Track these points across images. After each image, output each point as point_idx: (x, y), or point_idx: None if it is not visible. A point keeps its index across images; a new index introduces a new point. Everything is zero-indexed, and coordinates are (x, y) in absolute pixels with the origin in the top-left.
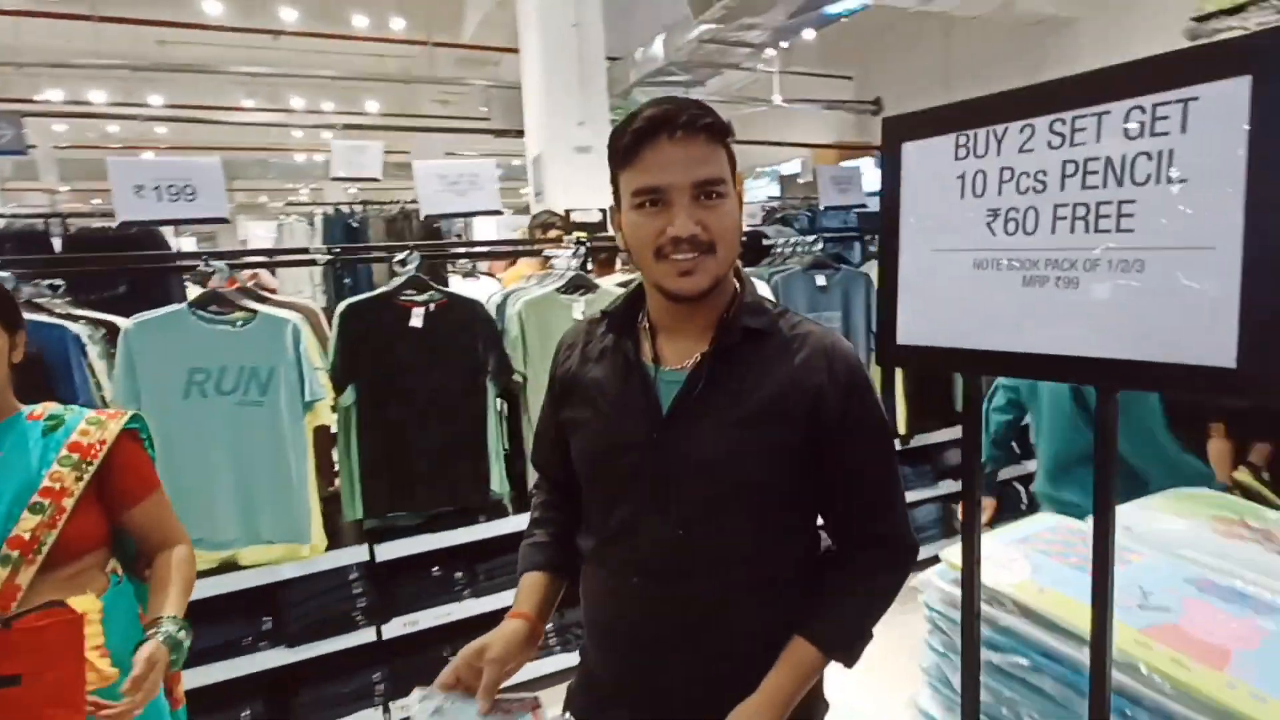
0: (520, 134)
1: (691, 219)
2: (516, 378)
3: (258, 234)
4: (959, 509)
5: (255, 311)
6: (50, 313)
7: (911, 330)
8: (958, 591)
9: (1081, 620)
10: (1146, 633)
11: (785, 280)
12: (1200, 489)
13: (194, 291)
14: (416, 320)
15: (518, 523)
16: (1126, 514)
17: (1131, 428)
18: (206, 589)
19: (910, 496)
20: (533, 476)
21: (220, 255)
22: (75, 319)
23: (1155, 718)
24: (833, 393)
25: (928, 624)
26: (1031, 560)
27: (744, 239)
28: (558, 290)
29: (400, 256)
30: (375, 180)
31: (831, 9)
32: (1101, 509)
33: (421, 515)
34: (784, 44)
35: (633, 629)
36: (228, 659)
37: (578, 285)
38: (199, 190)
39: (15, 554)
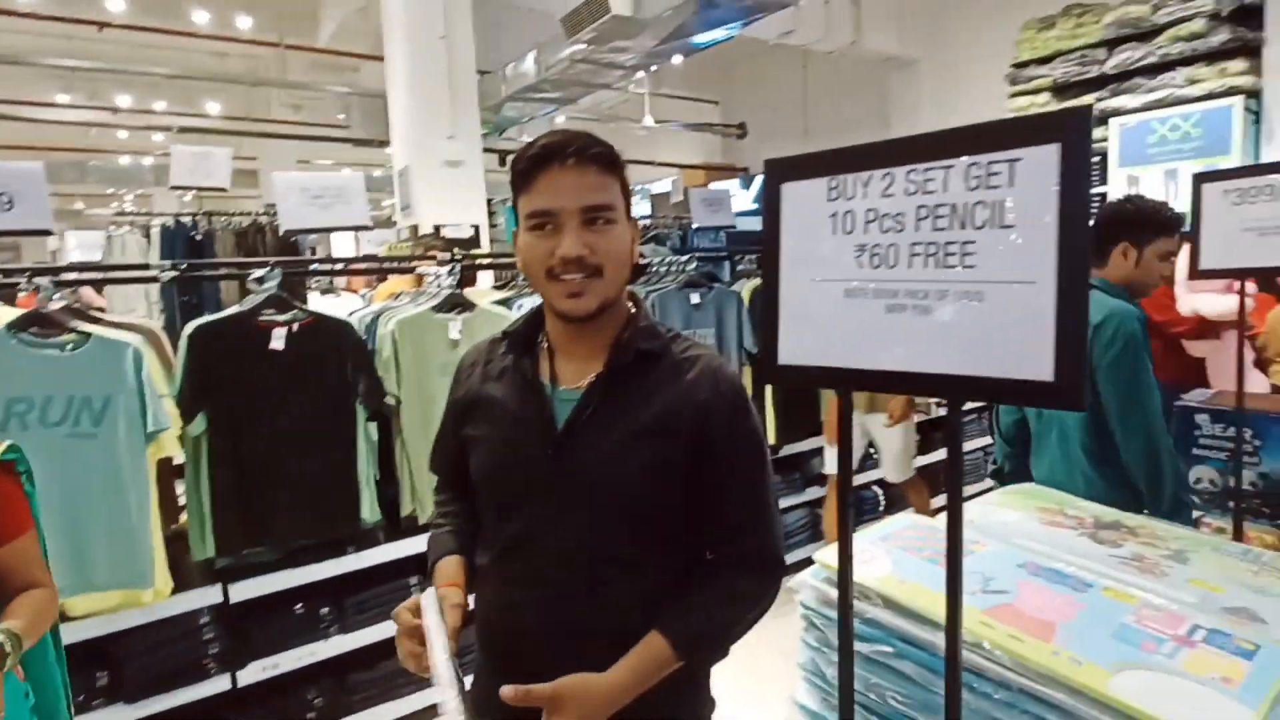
0: (383, 144)
1: (579, 241)
2: (389, 400)
3: (77, 245)
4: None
5: (88, 334)
6: None
7: (791, 352)
8: (831, 589)
9: (937, 608)
10: (989, 613)
11: (661, 298)
12: (1028, 485)
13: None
14: (277, 342)
15: (391, 552)
16: (970, 510)
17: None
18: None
19: (780, 504)
20: (407, 504)
21: (45, 271)
22: None
23: (998, 687)
24: (718, 410)
25: (803, 621)
26: (893, 556)
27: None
28: (432, 309)
29: (258, 273)
30: (222, 190)
31: (698, 39)
32: (952, 504)
33: (282, 550)
34: (654, 68)
35: (530, 641)
36: None
37: (454, 304)
38: (17, 198)
39: None
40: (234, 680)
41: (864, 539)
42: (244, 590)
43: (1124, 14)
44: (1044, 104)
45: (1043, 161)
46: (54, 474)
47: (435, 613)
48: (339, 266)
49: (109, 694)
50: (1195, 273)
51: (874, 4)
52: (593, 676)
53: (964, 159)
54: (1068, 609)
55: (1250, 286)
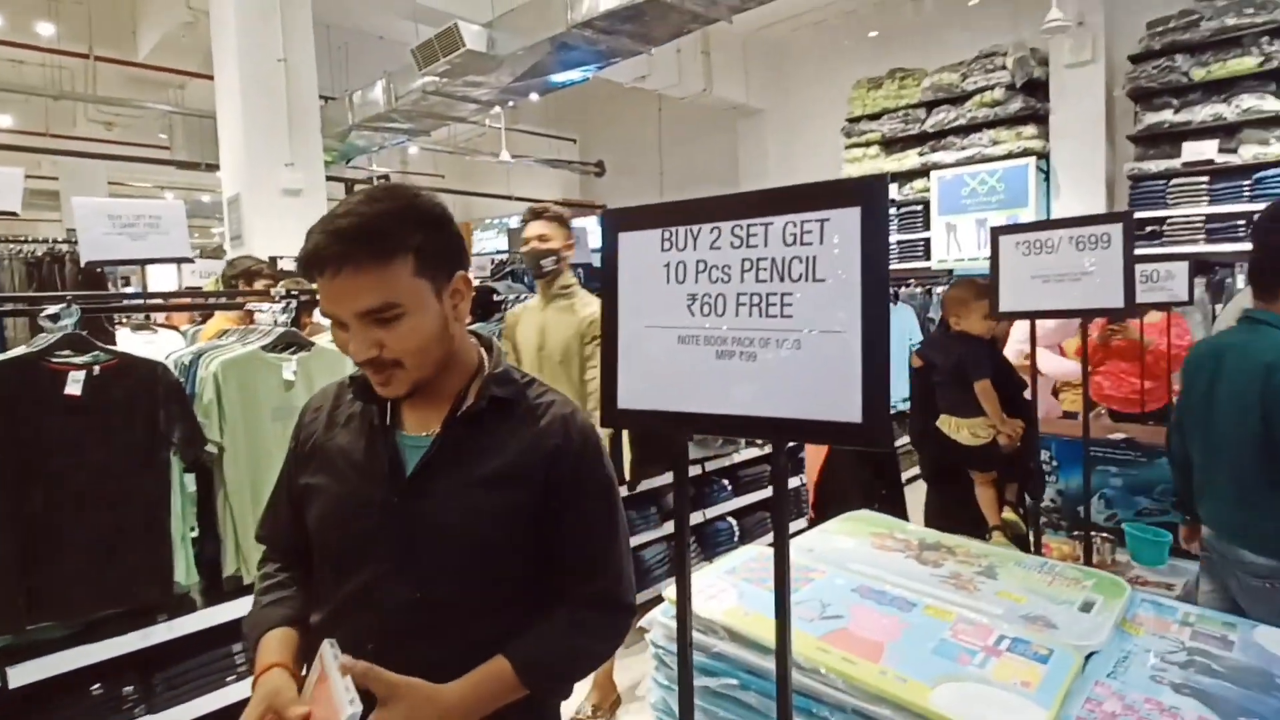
0: (211, 168)
1: (366, 342)
2: (210, 449)
3: None
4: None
5: None
6: None
7: (629, 396)
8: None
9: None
10: (825, 639)
11: None
12: (863, 512)
13: None
14: (74, 387)
15: (209, 618)
16: (809, 539)
17: None
18: None
19: (638, 539)
20: (230, 563)
21: None
22: None
23: (834, 710)
24: (567, 457)
25: (654, 660)
26: (739, 588)
27: (476, 308)
28: (263, 348)
29: (51, 310)
30: (12, 215)
31: (555, 78)
32: (779, 540)
33: (77, 623)
34: (510, 103)
35: (373, 697)
36: None
37: (289, 343)
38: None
39: None
40: None
41: (712, 573)
42: (27, 672)
43: (938, 80)
44: (874, 155)
45: (847, 222)
46: None
47: (336, 671)
48: (154, 302)
49: None
50: (994, 314)
51: (722, 56)
52: (433, 686)
53: (781, 217)
54: (894, 629)
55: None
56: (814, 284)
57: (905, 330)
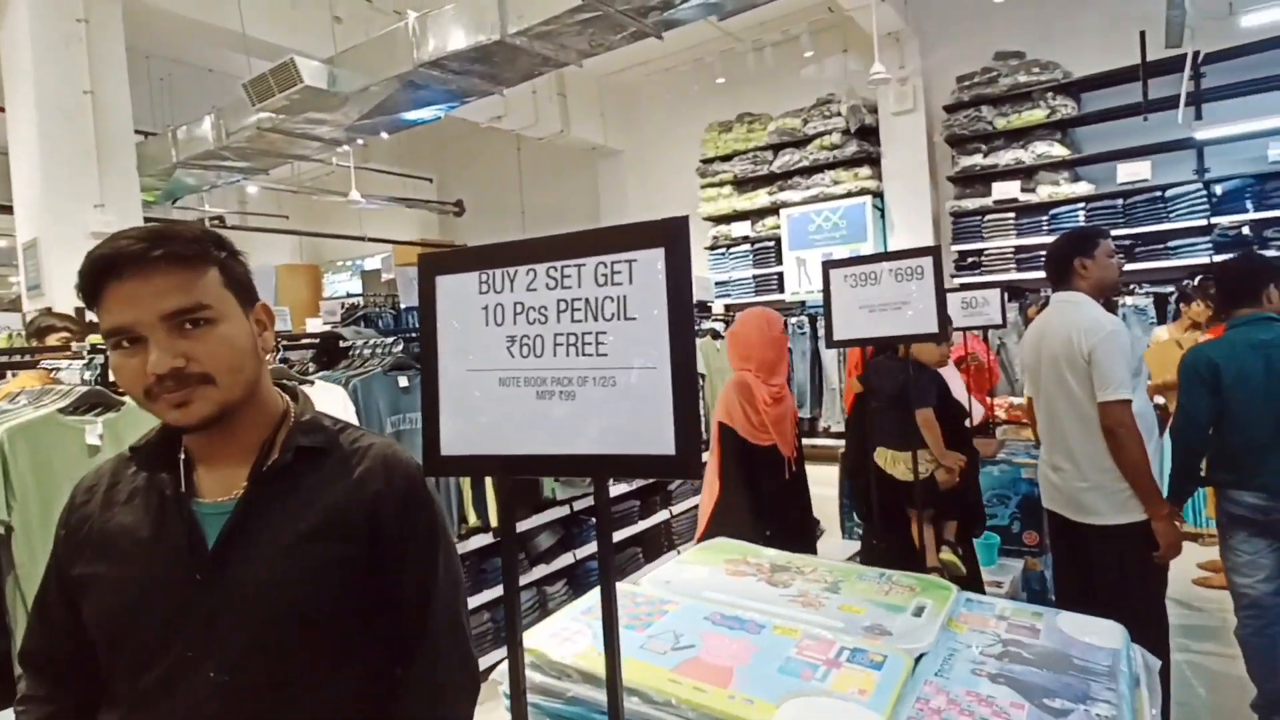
0: (4, 209)
1: (170, 353)
2: None
3: None
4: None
5: None
6: None
7: (452, 441)
8: (535, 675)
9: (634, 675)
10: (677, 670)
11: (365, 383)
12: (719, 540)
13: None
14: None
15: None
16: (666, 571)
17: None
18: None
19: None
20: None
21: None
22: None
23: None
24: (390, 502)
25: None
26: (593, 628)
27: (318, 340)
28: (61, 410)
29: None
30: None
31: (406, 115)
32: (606, 581)
33: None
34: (359, 141)
35: None
36: None
37: (93, 403)
38: None
39: None
40: None
41: (567, 615)
42: None
43: (783, 124)
44: (728, 194)
45: (653, 262)
46: None
47: None
48: None
49: None
50: (830, 343)
51: (579, 98)
52: None
53: (592, 259)
54: (744, 652)
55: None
56: (625, 322)
57: None
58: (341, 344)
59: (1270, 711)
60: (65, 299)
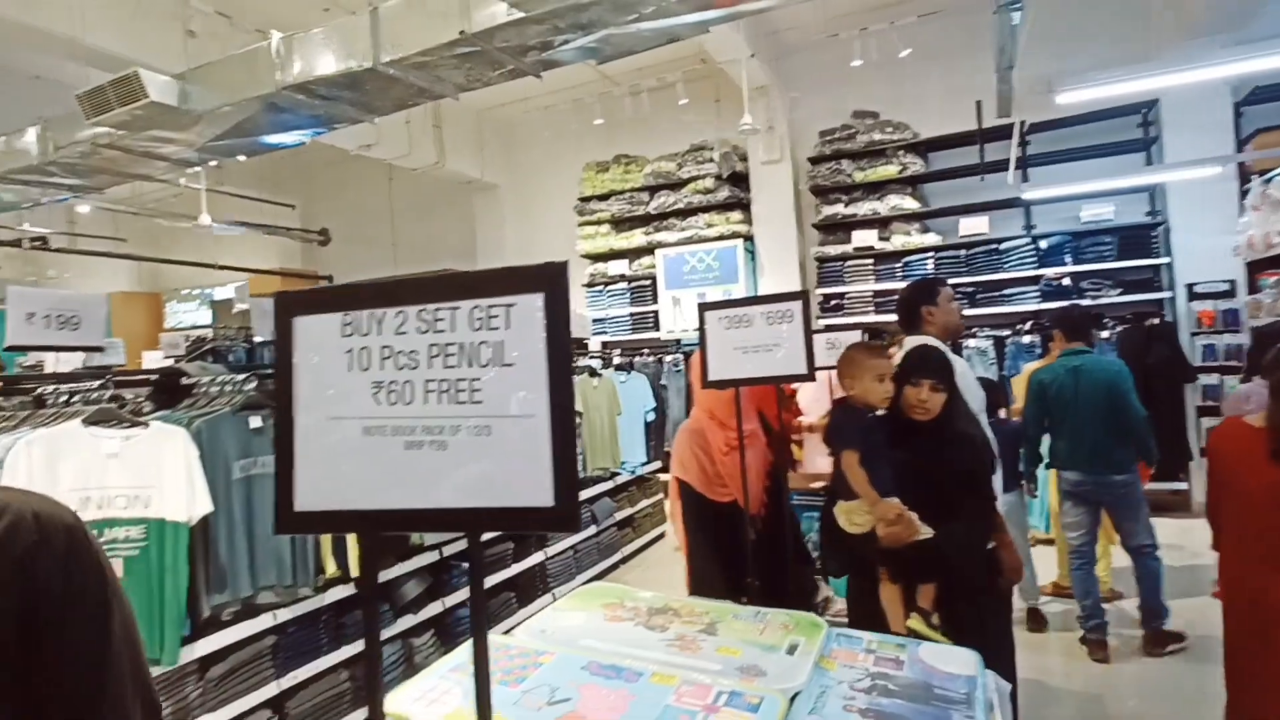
0: None
1: None
2: None
3: None
4: None
5: None
6: None
7: (310, 496)
8: None
9: None
10: None
11: (210, 424)
12: (596, 585)
13: None
14: None
15: None
16: (542, 619)
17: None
18: None
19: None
20: None
21: None
22: None
23: None
24: (48, 555)
25: None
26: (463, 686)
27: (154, 377)
28: None
29: None
30: None
31: (267, 138)
32: (478, 639)
33: None
34: (212, 163)
35: None
36: None
37: None
38: None
39: None
40: None
41: (435, 674)
42: None
43: (658, 167)
44: (605, 233)
45: (531, 307)
46: None
47: None
48: None
49: None
50: (705, 383)
51: (455, 130)
52: None
53: (468, 302)
54: (621, 703)
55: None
56: (502, 368)
57: (640, 398)
58: (184, 381)
59: (1089, 618)
60: None
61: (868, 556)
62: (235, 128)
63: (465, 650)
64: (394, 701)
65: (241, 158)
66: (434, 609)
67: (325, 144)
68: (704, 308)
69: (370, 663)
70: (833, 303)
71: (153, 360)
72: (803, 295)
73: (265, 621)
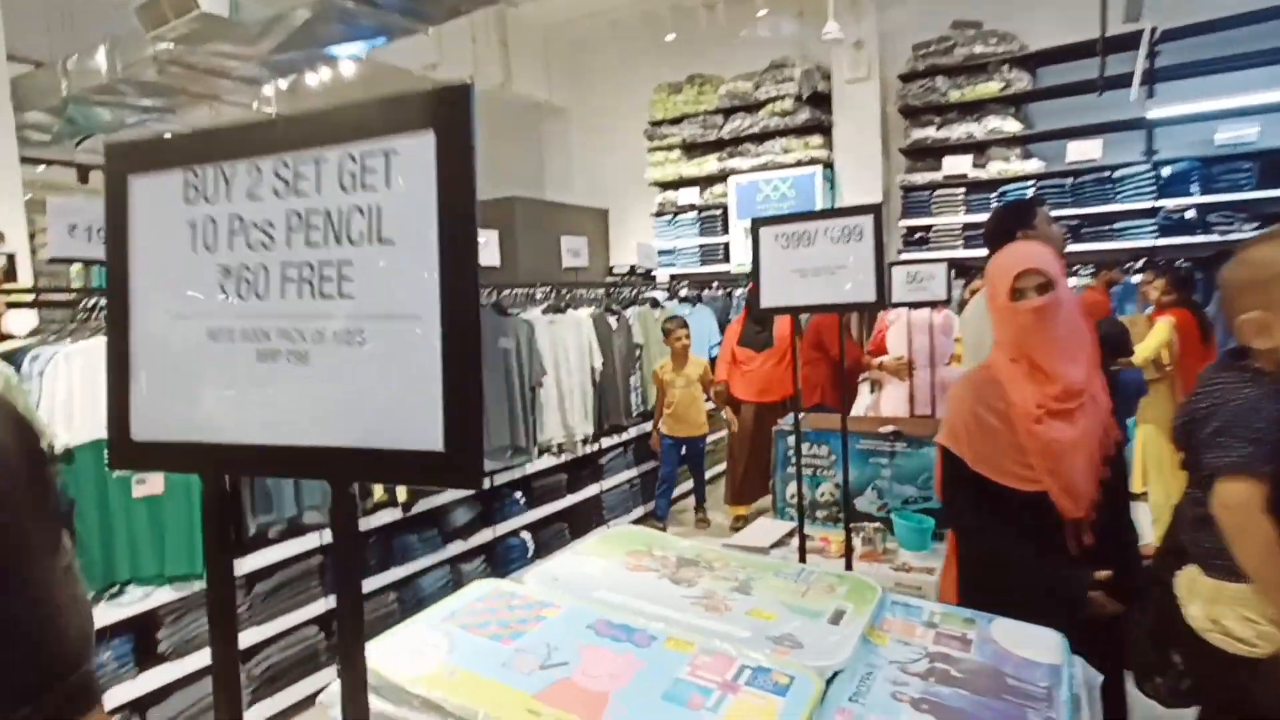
0: None
1: None
2: None
3: None
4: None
5: None
6: None
7: (148, 422)
8: (375, 701)
9: (484, 702)
10: (540, 696)
11: None
12: (627, 528)
13: None
14: None
15: None
16: (557, 564)
17: None
18: None
19: (418, 565)
20: None
21: None
22: None
23: None
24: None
25: None
26: (451, 639)
27: None
28: None
29: None
30: None
31: (327, 49)
32: (346, 648)
33: None
34: (281, 82)
35: None
36: None
37: None
38: None
39: None
40: None
41: (428, 620)
42: None
43: (733, 88)
44: (676, 159)
45: (418, 155)
46: None
47: None
48: None
49: None
50: (757, 311)
51: (522, 49)
52: None
53: (337, 149)
54: (626, 671)
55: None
56: (379, 247)
57: (705, 331)
58: None
59: None
60: None
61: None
62: (291, 40)
63: (468, 594)
64: (374, 651)
65: (312, 80)
66: (484, 535)
67: (392, 65)
68: (758, 223)
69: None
70: (916, 236)
71: None
72: (874, 209)
73: (312, 541)
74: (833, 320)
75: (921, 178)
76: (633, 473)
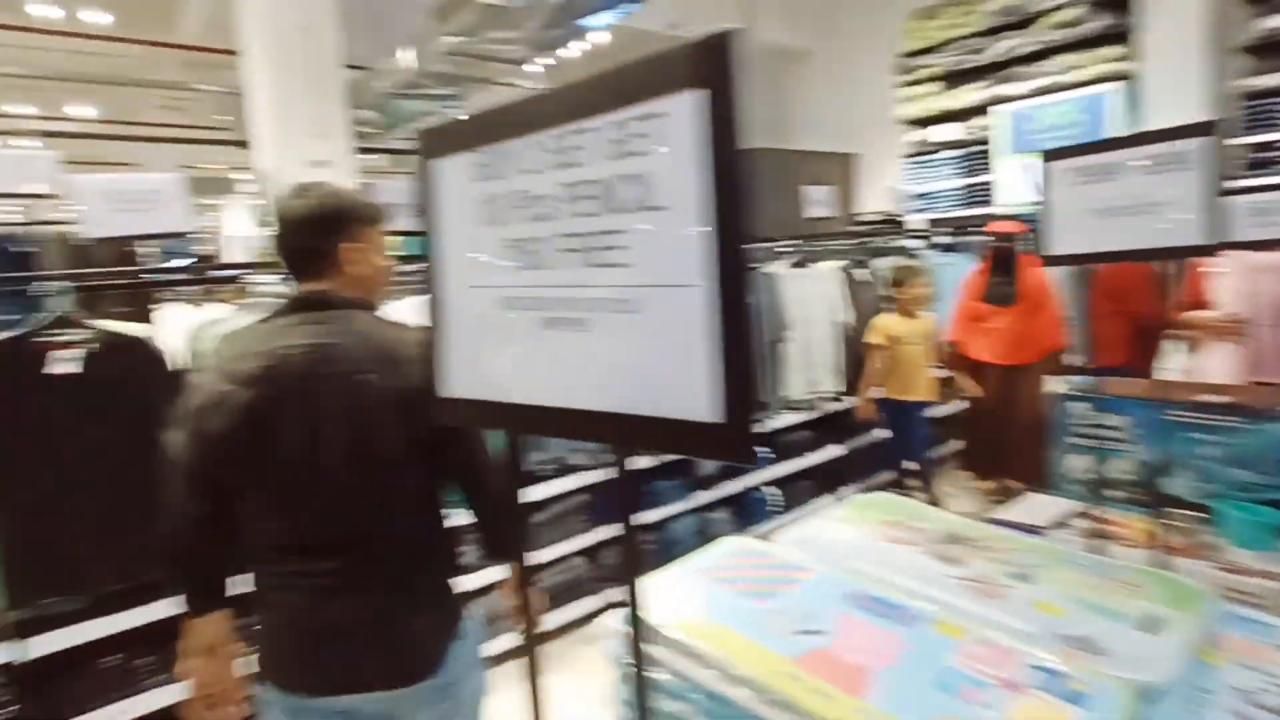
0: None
1: None
2: None
3: None
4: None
5: None
6: None
7: (457, 382)
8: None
9: (740, 656)
10: (800, 662)
11: None
12: (878, 495)
13: None
14: (65, 366)
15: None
16: (805, 528)
17: None
18: None
19: (669, 510)
20: None
21: None
22: None
23: None
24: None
25: (620, 674)
26: (707, 590)
27: None
28: (262, 320)
29: (53, 289)
30: (50, 196)
31: (587, 21)
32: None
33: (88, 597)
34: (548, 60)
35: None
36: None
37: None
38: None
39: None
40: None
41: (680, 570)
42: (47, 643)
43: (1004, 3)
44: (933, 92)
45: (683, 116)
46: None
47: None
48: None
49: None
50: (1049, 259)
51: None
52: None
53: (603, 118)
54: (889, 650)
55: None
56: (649, 213)
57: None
58: None
59: None
60: None
61: None
62: (553, 16)
63: (719, 549)
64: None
65: (572, 52)
66: (732, 487)
67: (639, 29)
68: (1051, 155)
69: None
70: (1263, 155)
71: None
72: (1207, 127)
73: (578, 481)
74: (1136, 266)
75: (1270, 80)
76: (884, 434)
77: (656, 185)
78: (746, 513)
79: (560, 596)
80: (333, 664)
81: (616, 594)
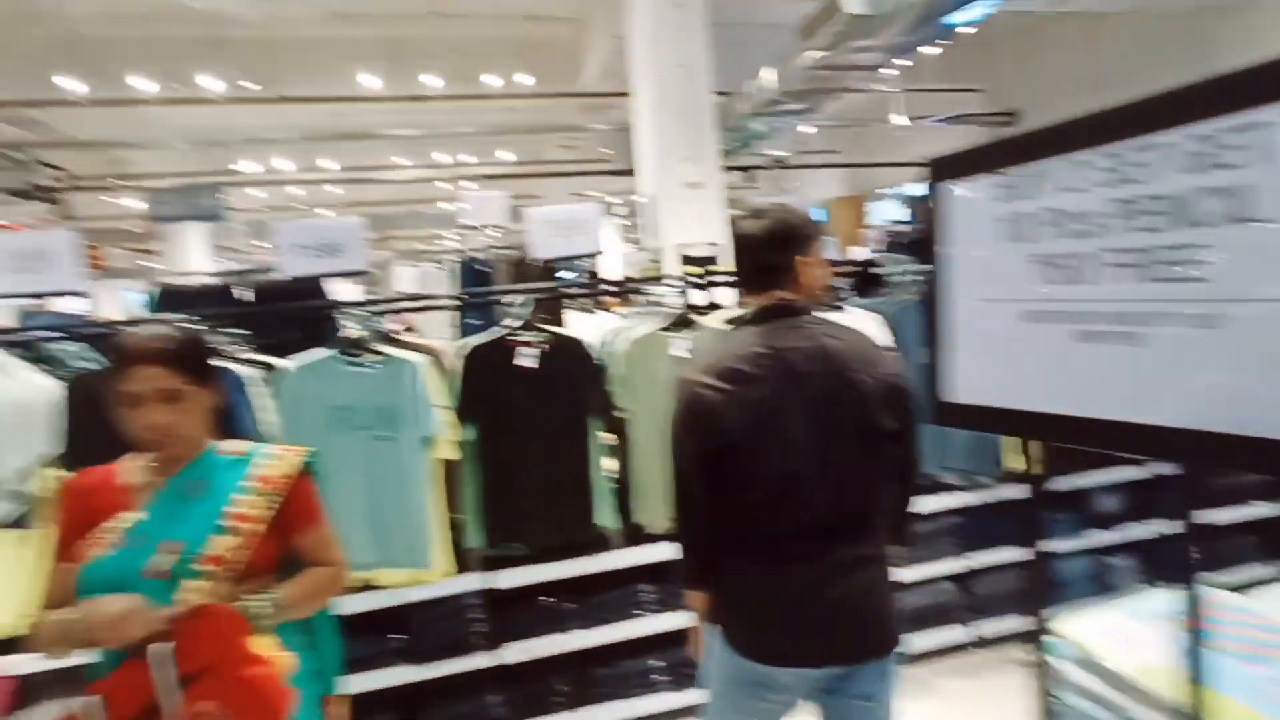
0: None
1: None
2: (622, 414)
3: (405, 278)
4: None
5: (385, 354)
6: (221, 356)
7: (965, 386)
8: (1071, 668)
9: None
10: None
11: (899, 312)
12: None
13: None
14: (526, 361)
15: (624, 558)
16: None
17: None
18: (344, 607)
19: (1053, 546)
20: (636, 513)
21: (361, 304)
22: (242, 361)
23: None
24: None
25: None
26: (1174, 640)
27: (857, 269)
28: (661, 329)
29: (519, 300)
30: (507, 227)
31: (952, 18)
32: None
33: (533, 547)
34: (903, 62)
35: None
36: (361, 673)
37: (683, 323)
38: (343, 246)
39: (215, 569)
40: (497, 658)
41: (1128, 611)
42: (507, 578)
43: None
44: None
45: None
46: (362, 469)
47: None
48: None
49: (399, 655)
50: None
51: None
52: None
53: (1179, 130)
54: None
55: None
56: (1241, 227)
57: None
58: (873, 270)
59: None
60: (673, 236)
61: None
62: (920, 16)
63: (1171, 596)
64: (1073, 622)
65: (930, 49)
66: (1139, 532)
67: (1014, 12)
68: None
69: (1036, 573)
70: None
71: (858, 255)
72: None
73: (948, 501)
74: None
75: None
76: None
77: (1252, 196)
78: (1158, 566)
79: (925, 619)
80: (839, 636)
81: (987, 626)
